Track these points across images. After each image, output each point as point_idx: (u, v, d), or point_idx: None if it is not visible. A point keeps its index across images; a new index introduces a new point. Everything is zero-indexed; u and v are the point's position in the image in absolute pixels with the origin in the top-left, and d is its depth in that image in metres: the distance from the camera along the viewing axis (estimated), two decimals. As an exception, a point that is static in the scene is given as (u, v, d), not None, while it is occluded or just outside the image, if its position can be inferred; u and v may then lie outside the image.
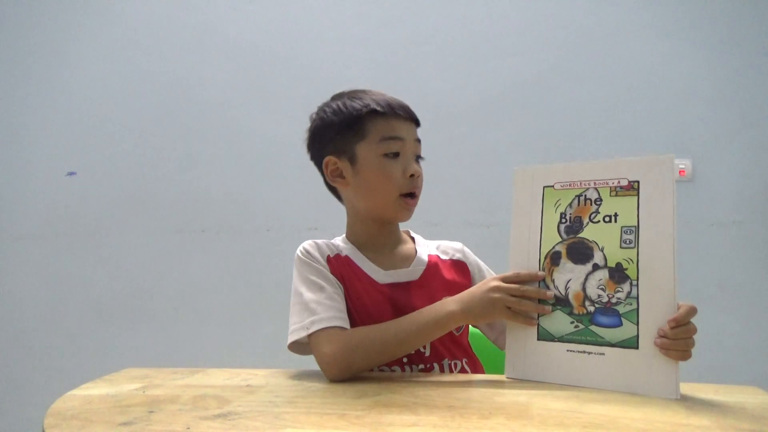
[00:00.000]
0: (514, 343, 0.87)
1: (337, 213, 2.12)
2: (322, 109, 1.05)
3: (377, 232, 1.04)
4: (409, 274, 1.02)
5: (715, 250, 1.95)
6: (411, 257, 1.05)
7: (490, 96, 2.08)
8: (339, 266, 1.01)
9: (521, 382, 0.84)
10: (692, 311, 0.76)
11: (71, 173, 2.23)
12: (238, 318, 2.13)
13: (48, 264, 2.22)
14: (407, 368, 0.97)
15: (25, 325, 2.21)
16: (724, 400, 0.74)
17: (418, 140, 1.03)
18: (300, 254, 1.01)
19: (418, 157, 1.03)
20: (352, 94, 1.03)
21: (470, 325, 1.08)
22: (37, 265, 2.22)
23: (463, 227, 2.07)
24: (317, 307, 0.93)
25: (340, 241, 1.07)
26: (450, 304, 0.89)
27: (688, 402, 0.72)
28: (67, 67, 2.25)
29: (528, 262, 0.86)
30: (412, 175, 0.99)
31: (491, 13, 2.11)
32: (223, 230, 2.17)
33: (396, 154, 0.99)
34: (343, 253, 1.03)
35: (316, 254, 1.01)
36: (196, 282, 2.17)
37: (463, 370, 1.00)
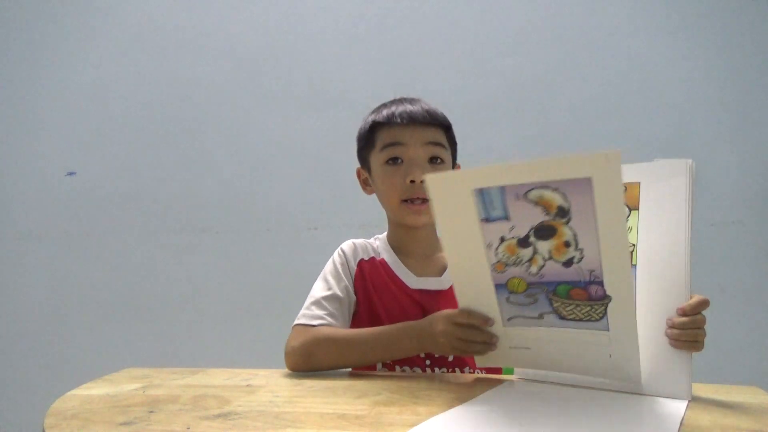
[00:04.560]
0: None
1: (338, 213, 2.12)
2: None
3: (407, 236, 1.05)
4: (439, 283, 1.02)
5: (715, 250, 1.95)
6: (444, 266, 1.04)
7: (490, 96, 2.08)
8: (372, 270, 1.03)
9: (522, 382, 0.84)
10: (703, 303, 0.75)
11: (71, 173, 2.23)
12: (238, 318, 2.13)
13: (48, 264, 2.21)
14: (428, 370, 0.98)
15: (25, 325, 2.20)
16: (724, 400, 0.74)
17: (434, 143, 0.99)
18: (337, 252, 1.05)
19: (435, 160, 0.99)
20: (381, 106, 1.05)
21: None
22: (37, 265, 2.22)
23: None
24: (313, 304, 0.97)
25: (380, 242, 1.08)
26: (410, 334, 0.86)
27: (687, 402, 0.72)
28: (67, 67, 2.25)
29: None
30: (412, 181, 0.97)
31: (491, 13, 2.11)
32: (223, 230, 2.17)
33: (396, 160, 0.99)
34: (380, 256, 1.05)
35: (350, 256, 1.04)
36: (196, 282, 2.16)
37: None
